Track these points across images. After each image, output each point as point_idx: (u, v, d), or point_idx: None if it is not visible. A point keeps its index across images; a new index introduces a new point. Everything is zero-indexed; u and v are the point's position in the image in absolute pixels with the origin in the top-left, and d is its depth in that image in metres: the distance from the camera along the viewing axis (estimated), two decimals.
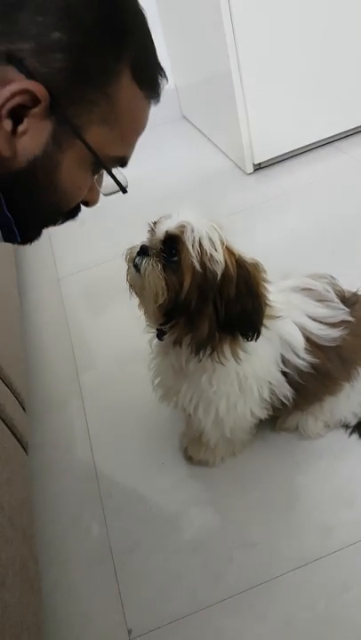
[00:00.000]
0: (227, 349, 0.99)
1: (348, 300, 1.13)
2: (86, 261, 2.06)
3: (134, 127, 0.71)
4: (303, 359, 1.06)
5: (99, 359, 1.70)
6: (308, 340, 1.07)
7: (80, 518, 1.28)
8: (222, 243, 0.92)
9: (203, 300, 0.92)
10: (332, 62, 2.17)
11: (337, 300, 1.11)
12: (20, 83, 0.58)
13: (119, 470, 1.37)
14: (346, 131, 2.39)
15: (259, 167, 2.39)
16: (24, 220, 0.70)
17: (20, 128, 0.60)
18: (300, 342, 1.06)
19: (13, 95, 0.58)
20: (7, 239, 0.70)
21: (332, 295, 1.11)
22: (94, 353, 1.73)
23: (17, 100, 0.58)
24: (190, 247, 0.90)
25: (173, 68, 2.62)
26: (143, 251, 0.96)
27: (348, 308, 1.11)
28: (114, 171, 0.72)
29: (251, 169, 2.37)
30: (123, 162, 0.73)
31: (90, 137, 0.65)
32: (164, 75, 0.71)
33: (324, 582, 1.06)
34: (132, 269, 0.97)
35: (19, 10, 0.57)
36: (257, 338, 0.97)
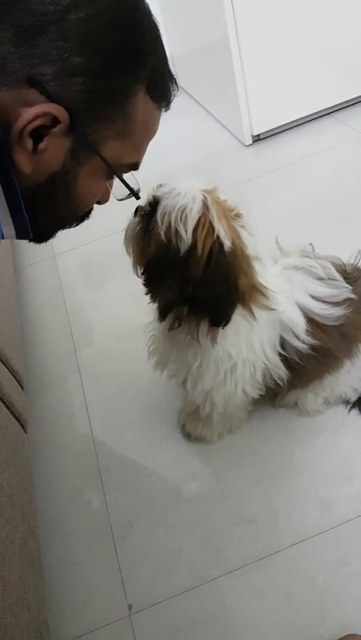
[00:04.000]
0: (204, 329, 0.97)
1: (350, 274, 1.11)
2: (83, 237, 2.04)
3: (147, 136, 0.73)
4: (304, 341, 1.04)
5: (96, 335, 1.69)
6: (310, 320, 1.05)
7: (80, 494, 1.29)
8: (203, 220, 0.87)
9: (162, 273, 0.91)
10: (332, 31, 2.11)
11: (339, 277, 1.09)
12: (41, 106, 0.59)
13: (118, 446, 1.37)
14: (346, 101, 2.34)
15: (258, 139, 2.35)
16: (41, 225, 0.73)
17: (41, 146, 0.62)
18: (300, 325, 1.04)
19: (35, 117, 0.59)
20: (20, 237, 0.72)
21: (334, 272, 1.09)
22: (92, 329, 1.72)
23: (38, 121, 0.60)
24: (159, 217, 0.88)
25: (170, 36, 2.54)
26: (136, 210, 0.97)
27: (350, 283, 1.09)
28: (126, 175, 0.75)
29: (249, 141, 2.33)
30: (135, 167, 0.76)
31: (106, 151, 0.67)
32: (175, 83, 0.73)
33: (323, 557, 1.07)
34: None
35: (41, 34, 0.58)
36: (224, 326, 0.94)
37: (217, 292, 0.90)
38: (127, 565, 1.14)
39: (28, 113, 0.59)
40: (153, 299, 0.98)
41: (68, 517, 1.25)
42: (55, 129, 0.62)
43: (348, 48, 2.17)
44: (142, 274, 0.97)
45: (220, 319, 0.93)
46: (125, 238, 0.99)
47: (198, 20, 2.30)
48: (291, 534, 1.11)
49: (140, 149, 0.74)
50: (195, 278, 0.88)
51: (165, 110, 0.74)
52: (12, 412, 1.15)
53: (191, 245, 0.87)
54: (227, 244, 0.88)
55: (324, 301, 1.06)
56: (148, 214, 0.93)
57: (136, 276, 0.99)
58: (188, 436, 1.31)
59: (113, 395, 1.48)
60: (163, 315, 0.96)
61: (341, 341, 1.10)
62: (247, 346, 1.02)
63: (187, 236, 0.86)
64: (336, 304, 1.06)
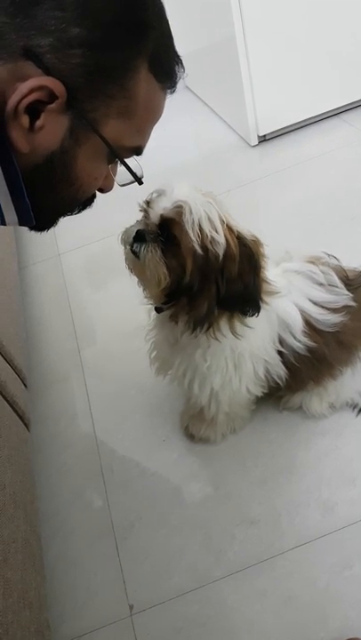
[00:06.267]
0: (224, 325, 0.98)
1: (352, 281, 1.11)
2: (87, 236, 2.03)
3: (150, 118, 0.70)
4: (300, 341, 1.06)
5: (99, 334, 1.69)
6: (307, 323, 1.06)
7: (82, 493, 1.29)
8: (222, 221, 0.90)
9: (205, 281, 0.91)
10: (339, 32, 2.11)
11: (340, 284, 1.09)
12: (37, 79, 0.57)
13: (121, 445, 1.37)
14: (352, 102, 2.33)
15: (263, 139, 2.34)
16: (42, 210, 0.70)
17: (38, 124, 0.60)
18: (297, 323, 1.05)
19: (31, 91, 0.57)
20: (22, 223, 0.70)
21: (336, 279, 1.09)
22: (95, 328, 1.72)
23: (34, 96, 0.57)
24: (190, 231, 0.87)
25: (176, 35, 2.52)
26: (140, 236, 0.94)
27: (352, 290, 1.10)
28: (130, 161, 0.72)
29: (255, 141, 2.32)
30: (138, 151, 0.73)
31: (107, 130, 0.64)
32: (181, 64, 0.70)
33: (325, 560, 1.06)
34: (131, 256, 0.96)
35: (38, 4, 0.56)
36: (258, 313, 0.96)
37: (246, 282, 0.92)
38: (129, 565, 1.14)
39: (23, 86, 0.56)
40: (188, 313, 0.96)
41: (69, 517, 1.25)
42: (52, 105, 0.59)
43: (354, 49, 2.16)
44: (172, 295, 0.96)
45: (254, 307, 0.95)
46: (149, 268, 0.93)
47: (205, 20, 2.30)
48: (293, 537, 1.11)
49: (143, 132, 0.71)
50: (232, 276, 0.90)
51: (171, 92, 0.71)
52: (16, 411, 1.15)
53: (226, 247, 0.89)
54: (248, 235, 0.92)
55: (322, 306, 1.07)
56: (160, 234, 0.92)
57: (157, 303, 1.00)
58: (191, 437, 1.30)
59: (116, 394, 1.48)
60: (200, 324, 0.96)
61: (338, 349, 1.10)
62: (256, 339, 1.03)
63: (223, 240, 0.88)
64: (334, 310, 1.07)
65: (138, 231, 0.94)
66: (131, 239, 0.95)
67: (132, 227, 0.96)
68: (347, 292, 1.09)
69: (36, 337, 1.73)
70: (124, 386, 1.49)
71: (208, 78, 2.58)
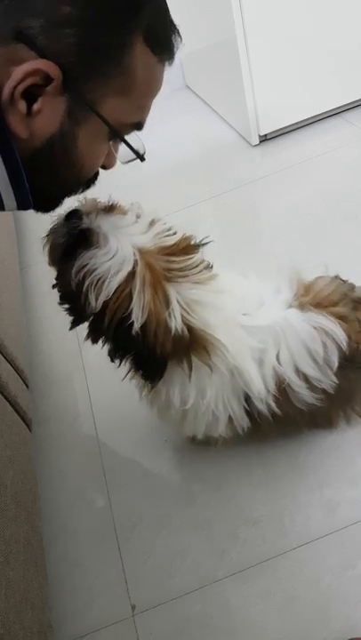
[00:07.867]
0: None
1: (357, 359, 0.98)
2: None
3: (149, 92, 0.69)
4: (265, 404, 0.97)
5: None
6: (280, 388, 0.96)
7: (84, 493, 1.29)
8: (121, 289, 0.82)
9: (74, 310, 0.93)
10: (340, 31, 2.10)
11: (335, 363, 0.96)
12: (31, 63, 0.56)
13: (122, 446, 1.36)
14: (354, 101, 2.33)
15: (265, 139, 2.34)
16: (45, 192, 0.70)
17: (35, 107, 0.59)
18: (258, 388, 0.94)
19: (26, 76, 0.56)
20: (21, 207, 0.69)
21: (334, 359, 0.96)
22: None
23: (29, 80, 0.57)
24: (74, 271, 0.85)
25: None
26: (69, 215, 0.89)
27: (348, 371, 0.99)
28: (131, 137, 0.71)
29: (256, 140, 2.32)
30: (139, 126, 0.72)
31: (106, 109, 0.64)
32: (178, 33, 0.68)
33: (328, 559, 1.06)
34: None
35: None
36: (155, 382, 0.92)
37: (138, 350, 0.86)
38: (131, 566, 1.14)
39: (18, 72, 0.56)
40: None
41: (71, 517, 1.25)
42: (48, 88, 0.58)
43: (356, 48, 2.16)
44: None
45: (150, 376, 0.92)
46: (46, 239, 0.91)
47: (206, 20, 2.29)
48: (295, 536, 1.11)
49: (142, 107, 0.70)
50: (105, 334, 0.86)
51: (169, 64, 0.69)
52: (17, 411, 1.15)
53: (99, 311, 0.83)
54: (135, 326, 0.81)
55: (305, 380, 0.97)
56: (75, 233, 0.84)
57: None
58: (192, 440, 1.30)
59: (117, 394, 1.47)
60: (91, 339, 0.93)
61: (311, 422, 1.09)
62: (196, 396, 0.96)
63: (95, 305, 0.82)
64: (312, 389, 0.98)
65: (74, 210, 0.85)
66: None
67: (89, 201, 0.86)
68: (333, 379, 0.97)
69: (37, 337, 1.73)
70: (125, 385, 1.48)
71: (209, 78, 2.58)
